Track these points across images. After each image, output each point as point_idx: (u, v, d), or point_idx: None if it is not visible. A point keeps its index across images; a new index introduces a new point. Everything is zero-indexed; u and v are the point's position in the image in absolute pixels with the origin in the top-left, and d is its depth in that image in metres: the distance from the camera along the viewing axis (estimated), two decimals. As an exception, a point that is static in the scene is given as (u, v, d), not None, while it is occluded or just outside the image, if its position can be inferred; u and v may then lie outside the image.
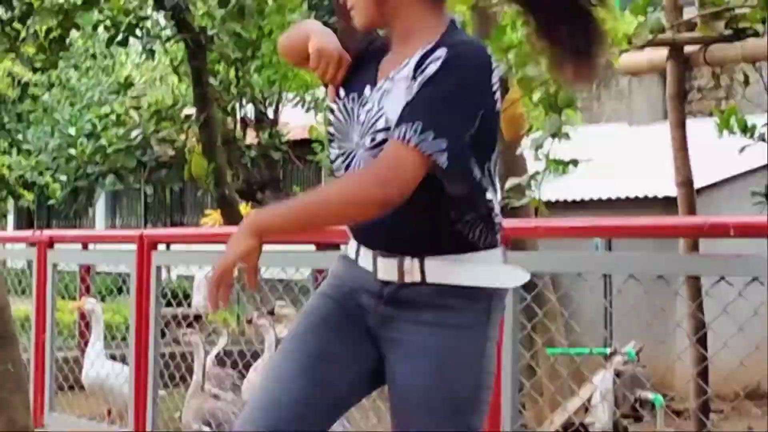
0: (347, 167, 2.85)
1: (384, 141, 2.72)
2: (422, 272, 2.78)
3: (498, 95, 2.78)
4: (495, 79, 2.76)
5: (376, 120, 2.77)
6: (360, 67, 2.93)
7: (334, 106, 2.92)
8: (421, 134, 2.65)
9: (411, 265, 2.79)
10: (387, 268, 2.82)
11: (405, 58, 2.80)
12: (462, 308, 2.79)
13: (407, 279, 2.79)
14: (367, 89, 2.85)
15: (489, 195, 2.81)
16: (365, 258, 2.88)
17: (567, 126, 5.88)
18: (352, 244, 2.93)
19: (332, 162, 2.93)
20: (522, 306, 4.38)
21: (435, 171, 2.67)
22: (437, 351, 2.79)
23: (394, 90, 2.78)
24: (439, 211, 2.77)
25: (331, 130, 2.92)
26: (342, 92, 2.92)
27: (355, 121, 2.84)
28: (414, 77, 2.74)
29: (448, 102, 2.69)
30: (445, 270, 2.78)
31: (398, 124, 2.69)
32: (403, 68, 2.78)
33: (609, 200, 12.50)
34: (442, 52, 2.71)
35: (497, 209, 2.84)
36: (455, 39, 2.77)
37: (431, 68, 2.71)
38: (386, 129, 2.73)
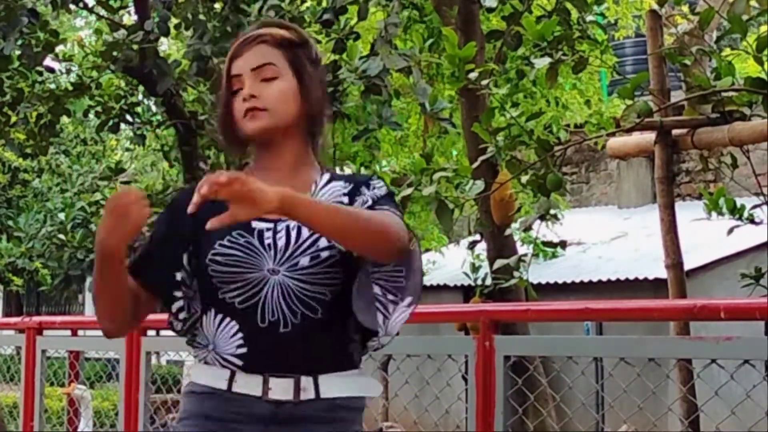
0: (253, 296, 2.82)
1: (330, 257, 2.80)
2: (317, 388, 2.82)
3: None
4: None
5: (315, 240, 2.82)
6: (202, 215, 2.64)
7: (218, 249, 2.82)
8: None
9: (307, 382, 2.82)
10: (282, 388, 2.80)
11: (303, 185, 2.85)
12: (350, 420, 2.89)
13: (303, 396, 2.81)
14: (255, 222, 2.81)
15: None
16: (247, 383, 2.83)
17: (554, 209, 5.90)
18: (218, 373, 2.86)
19: (225, 300, 2.85)
20: (513, 390, 4.34)
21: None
22: None
23: None
24: (345, 332, 2.88)
25: (224, 269, 2.83)
26: (216, 235, 2.80)
27: (263, 249, 2.83)
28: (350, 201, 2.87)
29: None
30: (335, 385, 2.85)
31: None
32: (316, 194, 2.88)
33: (599, 283, 12.50)
34: (377, 183, 2.90)
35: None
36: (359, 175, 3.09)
37: (380, 191, 2.88)
38: (330, 247, 2.80)
